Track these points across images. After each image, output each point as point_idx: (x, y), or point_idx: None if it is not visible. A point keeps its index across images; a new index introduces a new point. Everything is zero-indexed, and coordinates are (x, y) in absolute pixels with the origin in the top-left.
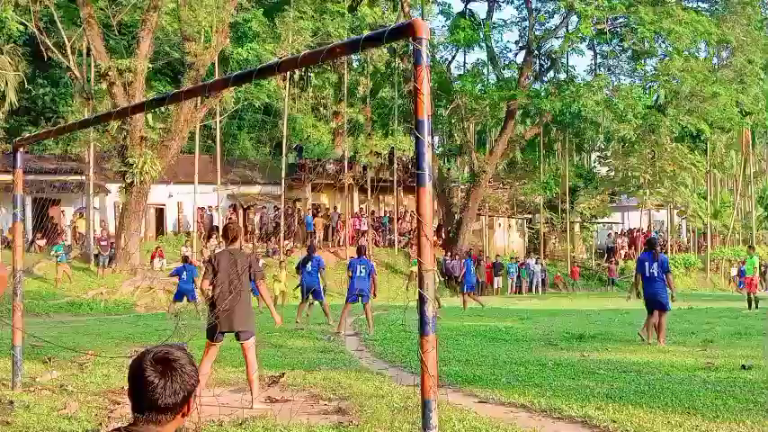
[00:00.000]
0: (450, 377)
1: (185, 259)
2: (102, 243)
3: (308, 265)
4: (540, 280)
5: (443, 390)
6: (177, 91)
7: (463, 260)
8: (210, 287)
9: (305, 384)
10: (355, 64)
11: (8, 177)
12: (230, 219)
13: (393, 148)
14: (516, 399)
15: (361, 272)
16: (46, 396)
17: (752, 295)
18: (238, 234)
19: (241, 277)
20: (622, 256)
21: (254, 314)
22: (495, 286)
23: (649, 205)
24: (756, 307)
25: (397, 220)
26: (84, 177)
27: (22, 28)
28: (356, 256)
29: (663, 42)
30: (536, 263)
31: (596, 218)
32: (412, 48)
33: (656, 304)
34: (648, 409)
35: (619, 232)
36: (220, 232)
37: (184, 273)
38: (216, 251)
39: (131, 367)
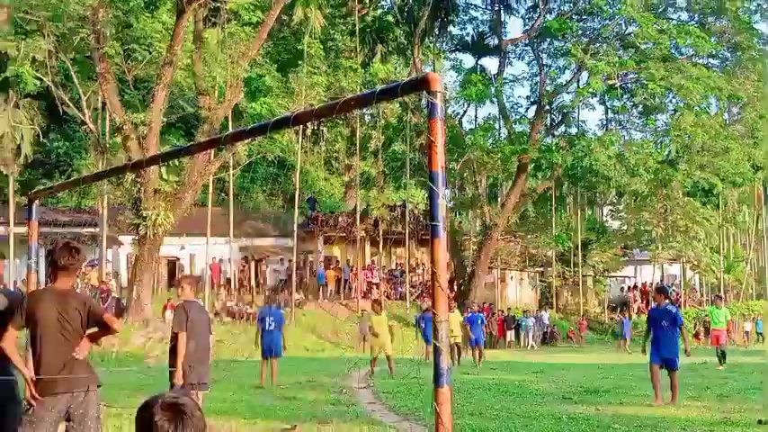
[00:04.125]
0: (464, 430)
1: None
2: (102, 295)
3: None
4: (549, 332)
5: None
6: (193, 144)
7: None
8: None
9: None
10: (367, 118)
11: (23, 230)
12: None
13: (405, 200)
14: None
15: (270, 324)
16: None
17: (719, 350)
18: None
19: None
20: (635, 311)
21: None
22: (508, 339)
23: (662, 259)
24: (724, 360)
25: (409, 273)
26: (97, 230)
27: (38, 83)
28: (266, 304)
29: (674, 98)
30: (548, 316)
31: (609, 271)
32: (426, 101)
33: (668, 362)
34: None
35: (632, 286)
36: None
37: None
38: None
39: (140, 414)
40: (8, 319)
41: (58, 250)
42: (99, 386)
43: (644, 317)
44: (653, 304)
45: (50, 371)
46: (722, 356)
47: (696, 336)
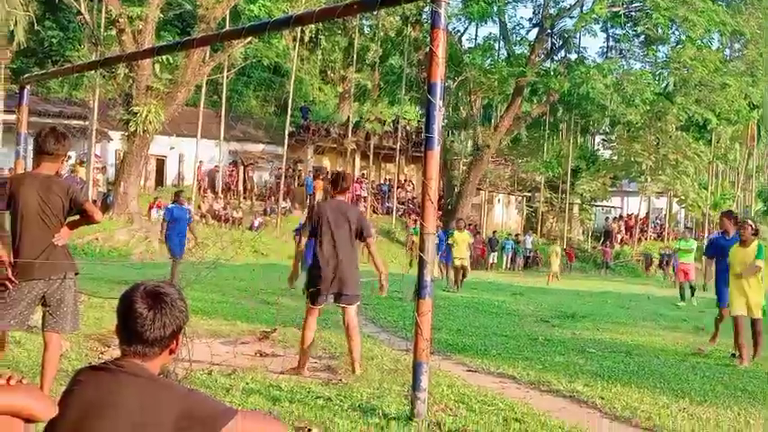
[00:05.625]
0: (441, 345)
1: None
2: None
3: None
4: (531, 256)
5: (434, 356)
6: (189, 38)
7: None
8: (319, 243)
9: (296, 341)
10: (366, 29)
11: (12, 117)
12: (230, 173)
13: (398, 116)
14: (505, 370)
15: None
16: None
17: (687, 284)
18: (351, 185)
19: (351, 233)
20: (618, 241)
21: (360, 276)
22: (490, 261)
23: (649, 192)
24: (692, 296)
25: (397, 189)
26: (86, 122)
27: None
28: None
29: (676, 30)
30: (531, 240)
31: (596, 201)
32: (430, 10)
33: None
34: (637, 389)
35: (617, 216)
36: (330, 179)
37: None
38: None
39: (121, 299)
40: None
41: (43, 135)
42: (77, 273)
43: (627, 248)
44: (715, 233)
45: (29, 255)
46: (691, 292)
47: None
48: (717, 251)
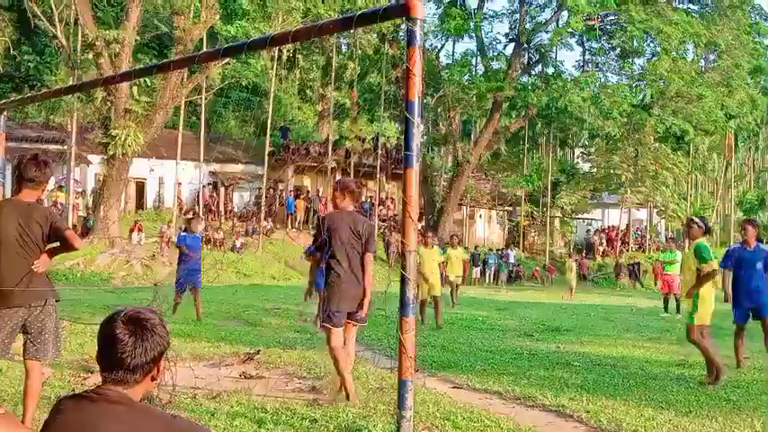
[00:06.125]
0: (426, 362)
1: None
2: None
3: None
4: (514, 271)
5: (419, 374)
6: (167, 61)
7: None
8: (332, 259)
9: (280, 362)
10: (344, 48)
11: None
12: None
13: (378, 133)
14: (491, 386)
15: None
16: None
17: (672, 296)
18: (361, 190)
19: (364, 246)
20: (600, 253)
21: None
22: (474, 276)
23: (629, 203)
24: (677, 309)
25: (378, 206)
26: (65, 147)
27: None
28: (185, 231)
29: (651, 42)
30: (514, 255)
31: (576, 213)
32: (406, 28)
33: (760, 310)
34: (622, 401)
35: (598, 229)
36: (338, 187)
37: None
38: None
39: (102, 326)
40: None
41: (25, 162)
42: (57, 300)
43: (609, 260)
44: (736, 243)
45: (8, 283)
46: (676, 305)
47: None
48: (737, 262)
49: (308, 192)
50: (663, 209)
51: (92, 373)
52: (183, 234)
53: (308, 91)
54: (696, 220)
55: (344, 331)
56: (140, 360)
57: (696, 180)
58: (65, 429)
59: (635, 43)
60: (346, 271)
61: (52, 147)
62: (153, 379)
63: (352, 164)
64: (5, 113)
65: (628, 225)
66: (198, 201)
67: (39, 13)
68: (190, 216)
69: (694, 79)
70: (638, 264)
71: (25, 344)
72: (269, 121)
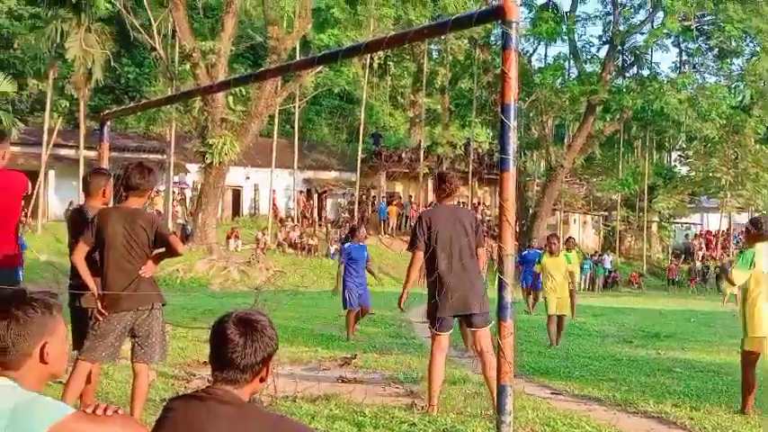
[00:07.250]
0: (523, 368)
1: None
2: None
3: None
4: (611, 276)
5: (517, 379)
6: (263, 69)
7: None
8: (434, 258)
9: (377, 367)
10: (434, 54)
11: (93, 153)
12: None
13: (470, 139)
14: (590, 392)
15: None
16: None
17: None
18: (457, 185)
19: (470, 242)
20: (699, 258)
21: (486, 289)
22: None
23: (730, 207)
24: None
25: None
26: (164, 156)
27: (109, 7)
28: (351, 240)
29: (750, 42)
30: (610, 260)
31: (674, 218)
32: (500, 32)
33: None
34: (727, 408)
35: (697, 233)
36: (435, 181)
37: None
38: (429, 208)
39: (214, 327)
40: (79, 235)
41: (131, 170)
42: (164, 304)
43: (712, 264)
44: None
45: (116, 288)
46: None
47: None
48: None
49: (400, 198)
50: (765, 212)
51: (194, 376)
52: (347, 245)
53: (399, 97)
54: (747, 224)
55: (471, 343)
56: (250, 360)
57: None
58: (175, 428)
59: (733, 43)
60: (454, 271)
61: (152, 156)
62: (262, 380)
63: (444, 169)
64: (108, 124)
65: (728, 229)
66: (294, 207)
67: (137, 25)
68: (354, 224)
69: None
70: None
71: (133, 347)
72: (361, 128)
